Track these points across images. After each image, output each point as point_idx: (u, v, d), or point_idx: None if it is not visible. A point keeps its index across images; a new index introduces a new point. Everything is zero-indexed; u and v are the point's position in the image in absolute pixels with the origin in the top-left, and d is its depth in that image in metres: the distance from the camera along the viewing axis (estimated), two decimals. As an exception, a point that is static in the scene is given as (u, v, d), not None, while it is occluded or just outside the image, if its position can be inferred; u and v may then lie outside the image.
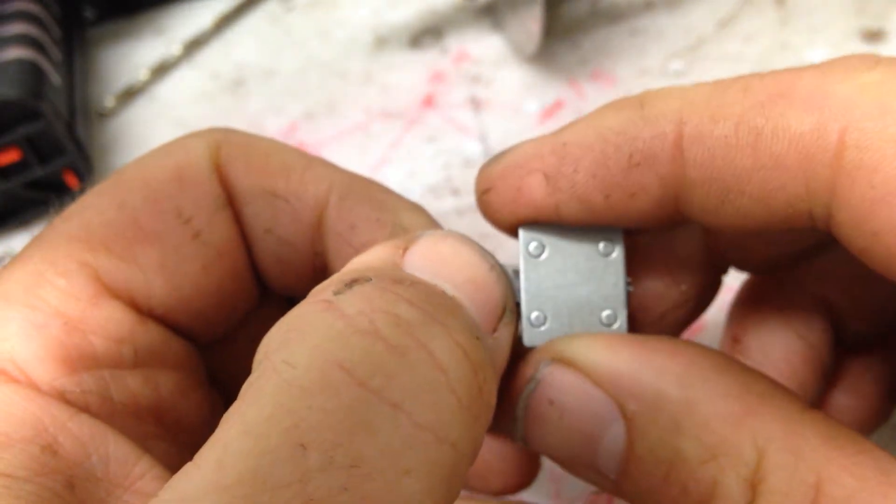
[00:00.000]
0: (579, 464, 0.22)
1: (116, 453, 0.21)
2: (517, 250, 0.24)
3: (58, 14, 0.48)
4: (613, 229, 0.24)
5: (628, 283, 0.24)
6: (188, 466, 0.16)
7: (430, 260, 0.21)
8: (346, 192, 0.25)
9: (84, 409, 0.22)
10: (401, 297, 0.19)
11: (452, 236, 0.22)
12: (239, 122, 0.47)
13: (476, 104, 0.47)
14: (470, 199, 0.43)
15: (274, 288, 0.27)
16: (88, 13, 0.50)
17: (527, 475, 0.28)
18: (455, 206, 0.43)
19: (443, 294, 0.20)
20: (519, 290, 0.24)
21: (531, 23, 0.44)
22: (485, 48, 0.49)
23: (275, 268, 0.26)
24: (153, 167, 0.25)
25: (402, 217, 0.25)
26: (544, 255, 0.24)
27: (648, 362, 0.21)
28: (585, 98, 0.46)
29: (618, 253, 0.24)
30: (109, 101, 0.48)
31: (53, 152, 0.42)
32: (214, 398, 0.26)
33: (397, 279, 0.20)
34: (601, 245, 0.24)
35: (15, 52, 0.42)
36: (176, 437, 0.24)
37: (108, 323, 0.23)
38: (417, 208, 0.26)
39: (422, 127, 0.46)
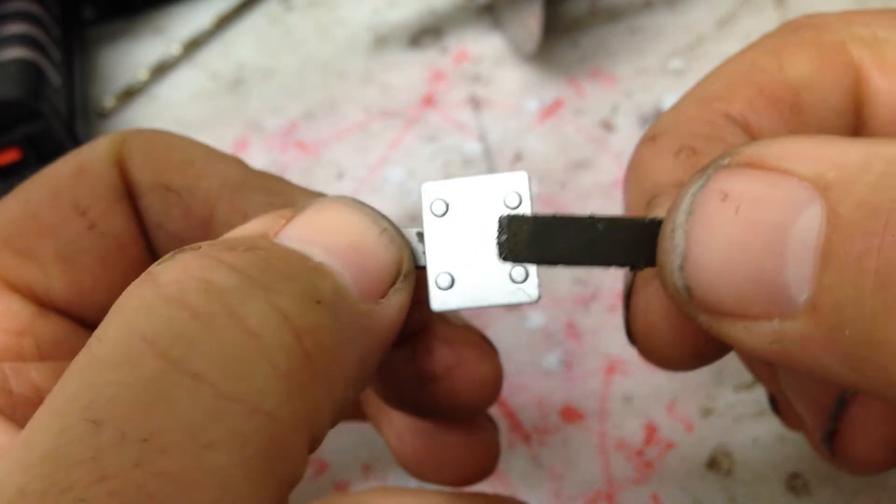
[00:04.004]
0: (756, 284, 0.17)
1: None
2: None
3: (58, 14, 0.48)
4: (519, 177, 0.22)
5: None
6: (10, 444, 0.16)
7: (308, 227, 0.20)
8: (239, 184, 0.24)
9: None
10: (222, 263, 0.18)
11: (342, 201, 0.21)
12: (238, 122, 0.47)
13: (476, 103, 0.47)
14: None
15: None
16: (88, 13, 0.50)
17: (482, 464, 0.27)
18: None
19: (295, 260, 0.19)
20: (424, 253, 0.22)
21: (531, 22, 0.44)
22: (484, 47, 0.49)
23: None
24: (59, 164, 0.25)
25: (297, 200, 0.24)
26: (448, 214, 0.22)
27: (847, 142, 0.17)
28: (585, 97, 0.46)
29: (524, 204, 0.22)
30: (109, 101, 0.48)
31: (53, 152, 0.42)
32: None
33: (231, 246, 0.19)
34: (506, 198, 0.22)
35: (15, 52, 0.42)
36: None
37: (5, 316, 0.23)
38: (318, 195, 0.25)
39: (421, 126, 0.46)
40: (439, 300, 0.22)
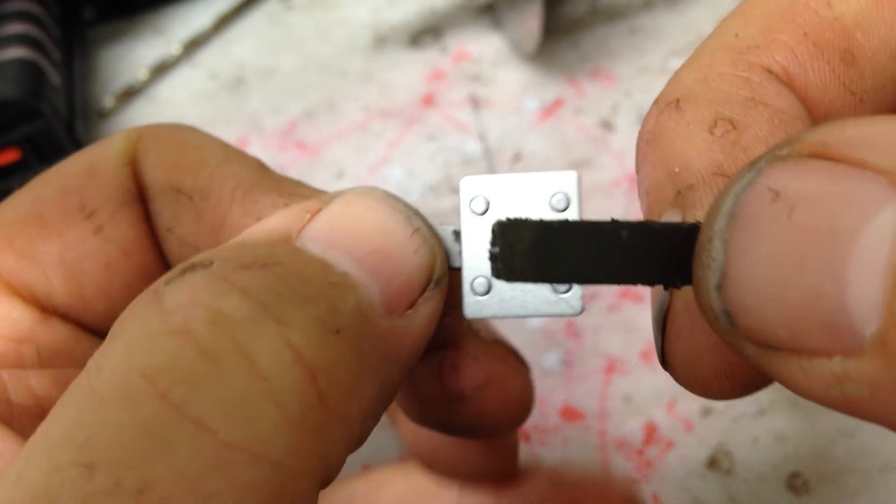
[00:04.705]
0: (812, 311, 0.14)
1: (7, 455, 0.20)
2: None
3: (58, 14, 0.48)
4: (567, 177, 0.20)
5: None
6: (4, 465, 0.15)
7: (332, 228, 0.19)
8: (251, 186, 0.22)
9: None
10: (234, 286, 0.16)
11: (371, 196, 0.20)
12: (238, 122, 0.47)
13: (476, 103, 0.47)
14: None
15: None
16: (88, 13, 0.50)
17: (500, 468, 0.26)
18: (455, 205, 0.43)
19: (314, 275, 0.17)
20: (460, 254, 0.20)
21: (531, 21, 0.44)
22: (484, 47, 0.48)
23: None
24: (71, 161, 0.24)
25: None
26: (489, 212, 0.20)
27: None
28: (585, 96, 0.46)
29: (573, 206, 0.20)
30: (109, 101, 0.48)
31: (53, 152, 0.42)
32: None
33: (245, 263, 0.17)
34: (553, 198, 0.20)
35: (15, 52, 0.42)
36: None
37: (5, 322, 0.22)
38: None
39: (421, 126, 0.46)
40: (474, 307, 0.20)
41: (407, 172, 0.44)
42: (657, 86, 0.48)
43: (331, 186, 0.44)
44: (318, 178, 0.44)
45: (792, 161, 0.14)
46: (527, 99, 0.46)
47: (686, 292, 0.18)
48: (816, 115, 0.20)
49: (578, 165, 0.43)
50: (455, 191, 0.43)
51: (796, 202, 0.14)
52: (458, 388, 0.23)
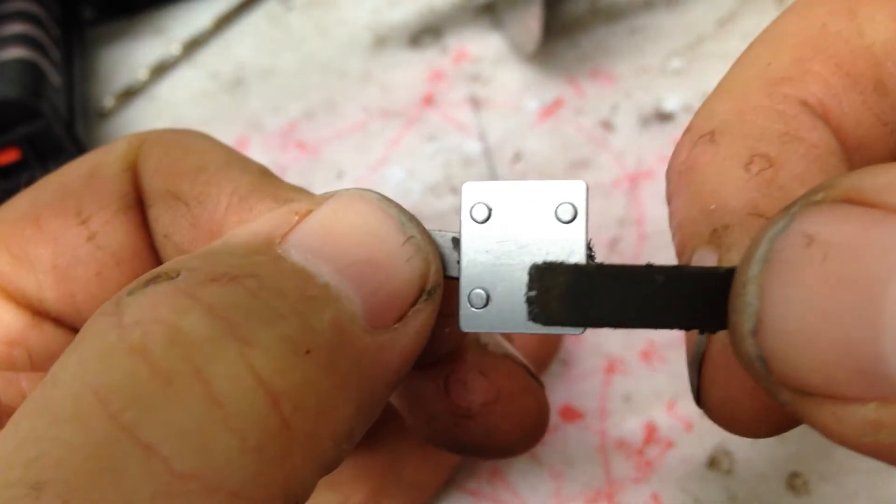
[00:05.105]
0: (847, 358, 0.14)
1: None
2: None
3: (57, 14, 0.48)
4: (575, 186, 0.19)
5: (590, 254, 0.19)
6: None
7: (318, 233, 0.18)
8: (248, 192, 0.22)
9: None
10: (197, 302, 0.16)
11: (363, 199, 0.19)
12: (238, 122, 0.47)
13: (475, 103, 0.47)
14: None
15: None
16: (88, 13, 0.50)
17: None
18: (455, 205, 0.43)
19: (290, 289, 0.17)
20: (458, 263, 0.19)
21: (531, 21, 0.44)
22: (484, 47, 0.49)
23: None
24: (74, 165, 0.24)
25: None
26: (490, 221, 0.19)
27: None
28: (585, 96, 0.46)
29: (580, 219, 0.19)
30: (109, 101, 0.48)
31: (53, 152, 0.42)
32: None
33: (213, 275, 0.16)
34: (559, 208, 0.19)
35: (15, 52, 0.42)
36: None
37: None
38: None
39: (421, 126, 0.46)
40: (471, 320, 0.19)
41: (407, 172, 0.44)
42: (657, 86, 0.48)
43: (331, 186, 0.44)
44: (318, 178, 0.45)
45: (826, 207, 0.14)
46: (527, 99, 0.46)
47: (722, 336, 0.18)
48: (849, 147, 0.19)
49: (578, 165, 0.43)
50: (455, 191, 0.43)
51: (830, 248, 0.14)
52: (466, 404, 0.22)
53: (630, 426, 0.36)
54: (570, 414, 0.37)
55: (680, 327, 0.17)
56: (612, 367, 0.37)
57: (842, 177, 0.15)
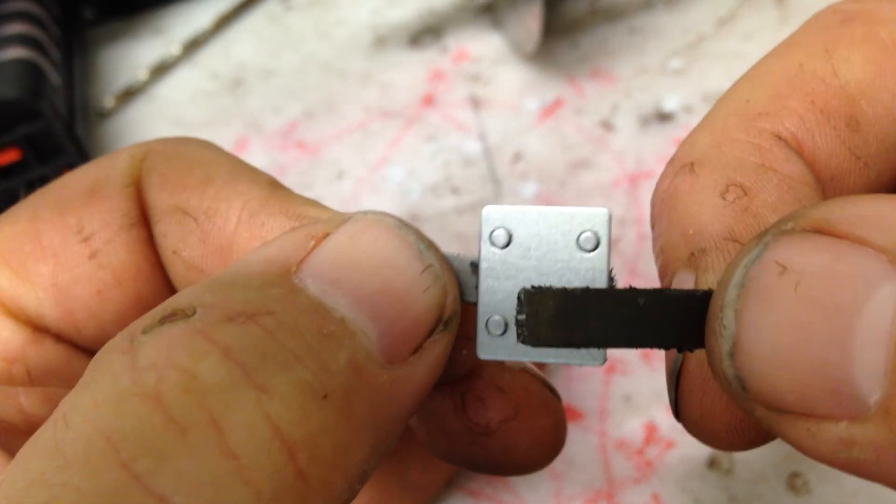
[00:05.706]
0: (819, 378, 0.15)
1: None
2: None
3: (57, 14, 0.48)
4: (598, 214, 0.19)
5: (612, 284, 0.19)
6: None
7: (335, 262, 0.18)
8: (259, 207, 0.21)
9: None
10: (215, 345, 0.15)
11: (381, 225, 0.18)
12: (238, 122, 0.47)
13: (475, 103, 0.47)
14: (469, 198, 0.43)
15: None
16: (88, 13, 0.50)
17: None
18: (455, 205, 0.43)
19: (307, 326, 0.16)
20: (476, 288, 0.19)
21: (531, 21, 0.44)
22: (484, 47, 0.49)
23: None
24: (75, 177, 0.23)
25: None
26: (510, 247, 0.19)
27: None
28: (585, 96, 0.46)
29: (602, 248, 0.19)
30: (109, 101, 0.48)
31: (53, 152, 0.42)
32: None
33: (230, 314, 0.16)
34: (581, 237, 0.19)
35: (15, 52, 0.42)
36: None
37: None
38: (347, 217, 0.22)
39: (421, 126, 0.46)
40: (487, 347, 0.19)
41: (407, 172, 0.44)
42: (657, 86, 0.49)
43: (331, 186, 0.44)
44: (318, 178, 0.45)
45: (797, 236, 0.15)
46: (527, 99, 0.46)
47: (698, 353, 0.19)
48: (823, 178, 0.20)
49: (578, 165, 0.43)
50: (455, 191, 0.43)
51: (802, 276, 0.14)
52: (485, 421, 0.22)
53: (630, 426, 0.36)
54: (571, 414, 0.37)
55: (660, 346, 0.18)
56: (612, 367, 0.37)
57: (811, 207, 0.15)
